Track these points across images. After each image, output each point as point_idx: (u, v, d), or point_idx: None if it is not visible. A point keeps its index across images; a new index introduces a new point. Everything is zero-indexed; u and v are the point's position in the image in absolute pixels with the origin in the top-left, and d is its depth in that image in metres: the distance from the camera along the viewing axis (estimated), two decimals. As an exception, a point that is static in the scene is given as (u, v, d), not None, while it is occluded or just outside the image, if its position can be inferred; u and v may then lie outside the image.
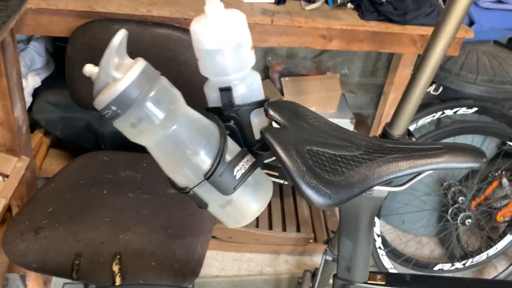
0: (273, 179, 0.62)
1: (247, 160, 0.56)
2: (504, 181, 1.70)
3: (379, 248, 1.54)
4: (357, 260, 0.64)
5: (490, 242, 1.72)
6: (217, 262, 1.63)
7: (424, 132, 1.48)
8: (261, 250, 1.69)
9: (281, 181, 0.56)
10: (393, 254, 1.63)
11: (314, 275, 1.62)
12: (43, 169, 1.48)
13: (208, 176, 0.53)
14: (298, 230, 1.68)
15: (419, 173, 0.55)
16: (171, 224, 1.00)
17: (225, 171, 0.53)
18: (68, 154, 1.56)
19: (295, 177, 0.49)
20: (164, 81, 0.53)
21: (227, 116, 0.59)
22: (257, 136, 0.61)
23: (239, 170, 0.54)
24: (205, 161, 0.53)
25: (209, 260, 1.62)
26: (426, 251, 1.76)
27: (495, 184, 1.68)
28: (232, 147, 0.57)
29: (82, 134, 1.45)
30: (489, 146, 1.62)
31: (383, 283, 0.66)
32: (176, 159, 0.53)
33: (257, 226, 1.65)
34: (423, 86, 1.01)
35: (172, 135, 0.53)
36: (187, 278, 0.93)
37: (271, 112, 0.57)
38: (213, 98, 0.61)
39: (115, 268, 0.91)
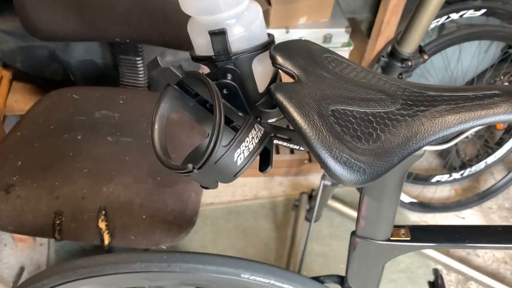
0: (284, 143, 0.49)
1: (253, 136, 0.42)
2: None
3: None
4: (381, 218, 0.55)
5: (489, 150, 1.67)
6: (210, 190, 1.56)
7: (427, 41, 1.34)
8: (255, 174, 1.62)
9: (295, 147, 0.43)
10: (391, 170, 1.58)
11: (311, 196, 1.58)
12: (8, 107, 1.32)
13: (199, 166, 0.39)
14: (292, 151, 1.61)
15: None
16: (159, 171, 0.88)
17: (222, 158, 0.39)
18: (34, 88, 1.39)
19: (320, 152, 0.37)
20: None
21: (222, 69, 0.44)
22: (260, 88, 0.47)
23: (242, 152, 0.40)
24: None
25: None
26: (425, 163, 1.72)
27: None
28: (232, 117, 0.43)
29: (46, 64, 1.28)
30: (496, 50, 1.49)
31: (408, 238, 0.59)
32: None
33: (249, 151, 1.56)
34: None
35: None
36: (182, 229, 0.85)
37: (280, 60, 0.42)
38: (200, 45, 0.45)
39: (102, 225, 0.82)
